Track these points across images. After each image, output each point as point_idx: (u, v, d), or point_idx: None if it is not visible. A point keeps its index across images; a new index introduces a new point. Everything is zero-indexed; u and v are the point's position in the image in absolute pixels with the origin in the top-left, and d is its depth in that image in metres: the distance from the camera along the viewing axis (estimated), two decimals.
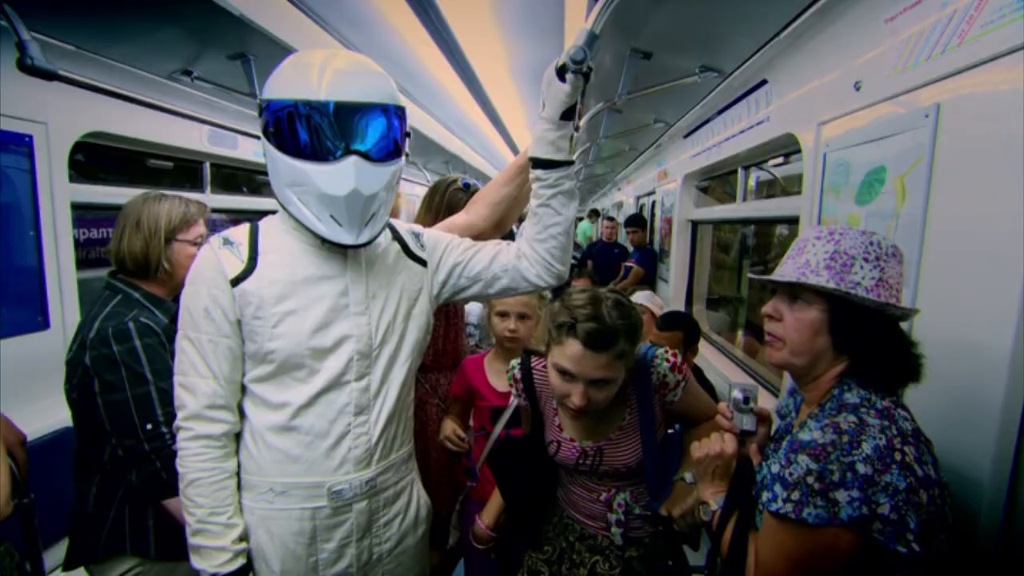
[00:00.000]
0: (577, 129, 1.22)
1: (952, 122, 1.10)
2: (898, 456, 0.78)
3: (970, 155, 1.06)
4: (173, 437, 1.29)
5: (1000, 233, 0.96)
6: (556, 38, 2.43)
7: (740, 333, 3.52)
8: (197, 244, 1.53)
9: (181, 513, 1.30)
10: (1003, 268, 0.95)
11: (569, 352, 1.12)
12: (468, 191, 1.86)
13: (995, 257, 0.97)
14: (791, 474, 0.83)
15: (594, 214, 10.62)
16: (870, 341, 0.90)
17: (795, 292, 0.94)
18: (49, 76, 1.44)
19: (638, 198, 6.29)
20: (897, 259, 0.91)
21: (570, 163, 1.20)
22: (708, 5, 1.61)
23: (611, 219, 6.14)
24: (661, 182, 4.49)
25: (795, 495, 0.81)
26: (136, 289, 1.48)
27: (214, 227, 1.59)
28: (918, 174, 1.18)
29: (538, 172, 1.20)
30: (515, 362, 1.41)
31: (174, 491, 1.28)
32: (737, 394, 1.09)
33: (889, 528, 0.77)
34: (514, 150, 6.53)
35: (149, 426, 1.33)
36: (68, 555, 1.49)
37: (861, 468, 0.78)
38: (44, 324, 1.96)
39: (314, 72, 0.99)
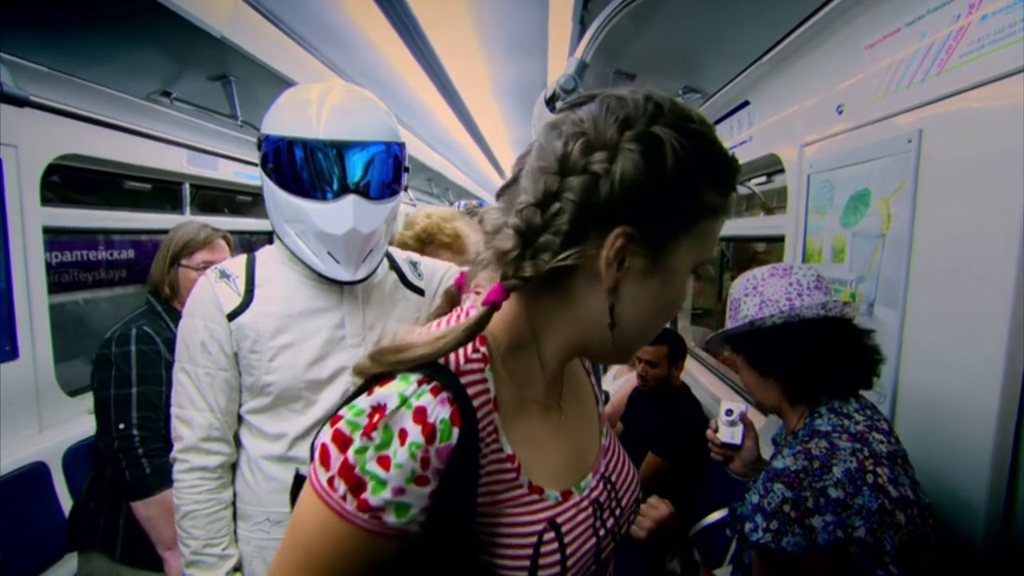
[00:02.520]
0: None
1: (934, 147, 1.11)
2: (870, 478, 0.80)
3: (953, 180, 1.07)
4: (143, 441, 1.36)
5: (985, 253, 0.98)
6: (539, 59, 2.44)
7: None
8: (199, 271, 1.56)
9: (147, 519, 1.35)
10: (990, 287, 0.97)
11: (719, 228, 0.59)
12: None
13: (981, 277, 0.99)
14: (769, 503, 0.84)
15: None
16: (762, 353, 1.00)
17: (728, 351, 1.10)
18: (20, 103, 1.39)
19: None
20: (777, 276, 0.99)
21: None
22: (691, 29, 1.63)
23: None
24: None
25: (774, 524, 0.83)
26: (163, 303, 1.58)
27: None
28: (903, 197, 1.19)
29: None
30: (418, 392, 0.52)
31: (137, 494, 1.34)
32: (724, 408, 1.20)
33: (865, 551, 0.78)
34: (496, 167, 6.55)
35: (121, 426, 1.37)
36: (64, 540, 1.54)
37: (833, 492, 0.80)
38: (13, 354, 1.88)
39: (312, 109, 0.98)
